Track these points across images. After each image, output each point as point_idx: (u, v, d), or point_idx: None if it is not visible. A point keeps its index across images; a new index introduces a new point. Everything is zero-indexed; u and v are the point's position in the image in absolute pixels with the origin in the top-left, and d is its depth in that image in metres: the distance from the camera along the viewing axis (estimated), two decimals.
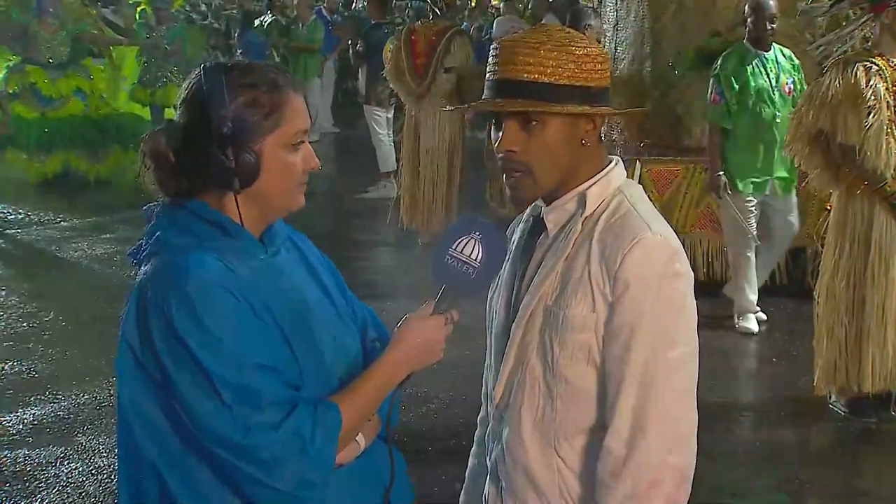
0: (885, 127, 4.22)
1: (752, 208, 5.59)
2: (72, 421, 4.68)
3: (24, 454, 4.34)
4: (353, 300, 1.92)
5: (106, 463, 4.21)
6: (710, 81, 5.61)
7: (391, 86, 8.06)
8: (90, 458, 4.29)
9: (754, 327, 5.75)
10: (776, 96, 5.46)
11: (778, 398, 4.97)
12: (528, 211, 1.91)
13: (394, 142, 9.48)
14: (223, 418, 1.57)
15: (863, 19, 4.51)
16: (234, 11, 16.20)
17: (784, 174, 5.51)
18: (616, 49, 7.21)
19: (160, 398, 1.62)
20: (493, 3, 15.34)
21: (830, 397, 4.70)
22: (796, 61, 5.62)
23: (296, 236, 1.89)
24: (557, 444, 1.75)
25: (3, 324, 6.12)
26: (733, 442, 4.45)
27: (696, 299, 1.71)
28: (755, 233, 5.61)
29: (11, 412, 4.78)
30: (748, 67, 5.48)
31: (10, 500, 3.95)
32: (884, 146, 4.23)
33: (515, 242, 1.87)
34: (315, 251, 1.91)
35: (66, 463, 4.25)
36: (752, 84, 5.46)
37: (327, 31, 13.05)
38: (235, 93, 1.66)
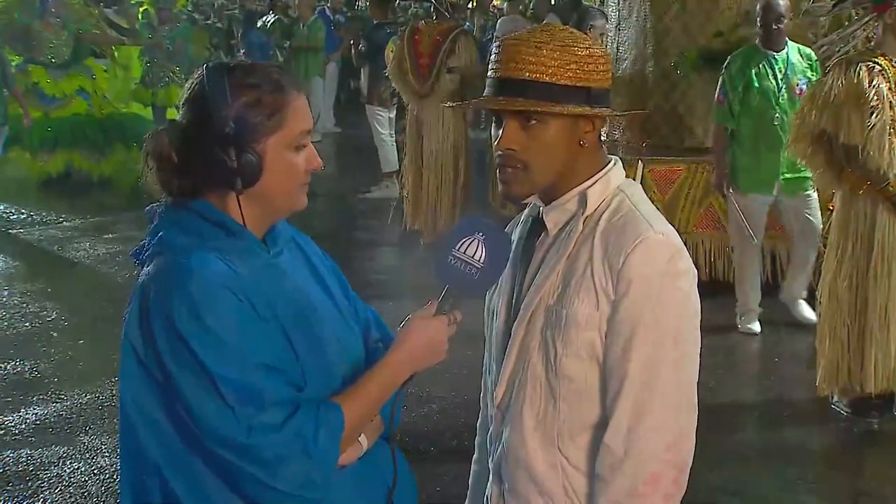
0: (887, 127, 4.22)
1: (760, 208, 5.57)
2: (74, 421, 4.68)
3: (27, 454, 4.35)
4: (355, 300, 1.92)
5: (108, 463, 4.22)
6: (719, 81, 5.62)
7: (394, 86, 8.06)
8: (93, 458, 4.29)
9: (757, 327, 5.74)
10: (783, 98, 5.40)
11: (780, 398, 4.97)
12: (525, 212, 1.91)
13: (396, 141, 9.49)
14: (226, 418, 1.57)
15: (865, 19, 4.52)
16: (237, 11, 16.21)
17: (790, 175, 5.44)
18: (618, 49, 7.21)
19: (163, 398, 1.61)
20: (495, 3, 15.35)
21: (833, 398, 4.69)
22: (815, 61, 5.56)
23: (298, 237, 1.89)
24: (561, 442, 1.75)
25: (6, 323, 6.13)
26: (735, 442, 4.45)
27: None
28: (752, 232, 5.58)
29: (14, 412, 4.79)
30: (753, 68, 5.46)
31: (13, 499, 3.96)
32: (887, 146, 4.23)
33: (514, 243, 1.87)
34: (318, 251, 1.91)
35: (68, 463, 4.25)
36: (756, 85, 5.44)
37: (330, 31, 13.06)
38: (238, 93, 1.66)
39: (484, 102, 1.78)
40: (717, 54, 6.04)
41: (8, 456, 4.33)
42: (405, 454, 1.88)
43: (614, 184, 1.78)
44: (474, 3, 15.63)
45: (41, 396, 4.97)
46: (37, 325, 6.10)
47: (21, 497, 3.97)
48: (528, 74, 1.69)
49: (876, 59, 4.28)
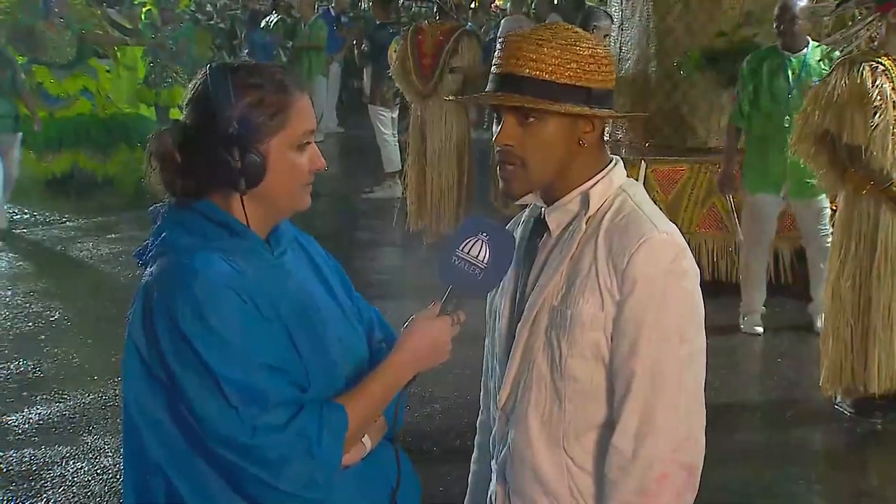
0: (891, 127, 4.22)
1: (768, 209, 5.56)
2: (77, 420, 4.68)
3: (30, 453, 4.35)
4: (359, 301, 1.92)
5: (111, 463, 4.22)
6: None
7: (397, 85, 8.06)
8: (96, 458, 4.29)
9: (760, 328, 5.73)
10: (795, 98, 5.30)
11: (783, 398, 4.97)
12: (527, 212, 1.91)
13: (399, 141, 9.49)
14: (229, 419, 1.57)
15: (869, 19, 4.49)
16: (240, 11, 16.22)
17: (797, 178, 5.27)
18: (621, 49, 7.21)
19: (166, 399, 1.61)
20: (497, 3, 15.34)
21: (836, 398, 4.69)
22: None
23: (302, 237, 1.89)
24: (566, 443, 1.75)
25: (9, 323, 6.13)
26: (738, 442, 4.44)
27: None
28: (739, 230, 5.57)
29: (17, 411, 4.79)
30: (766, 68, 5.45)
31: (16, 499, 3.96)
32: (890, 146, 4.23)
33: (516, 244, 1.87)
34: (321, 252, 1.91)
35: (71, 462, 4.26)
36: (767, 85, 5.44)
37: (332, 31, 13.06)
38: (241, 93, 1.66)
39: (482, 97, 1.78)
40: (719, 54, 6.04)
41: (11, 455, 4.33)
42: (408, 454, 1.87)
43: (616, 184, 1.78)
44: (476, 3, 15.63)
45: (44, 396, 4.97)
46: (40, 324, 6.11)
47: (24, 497, 3.98)
48: (527, 71, 1.69)
49: (879, 59, 4.28)
